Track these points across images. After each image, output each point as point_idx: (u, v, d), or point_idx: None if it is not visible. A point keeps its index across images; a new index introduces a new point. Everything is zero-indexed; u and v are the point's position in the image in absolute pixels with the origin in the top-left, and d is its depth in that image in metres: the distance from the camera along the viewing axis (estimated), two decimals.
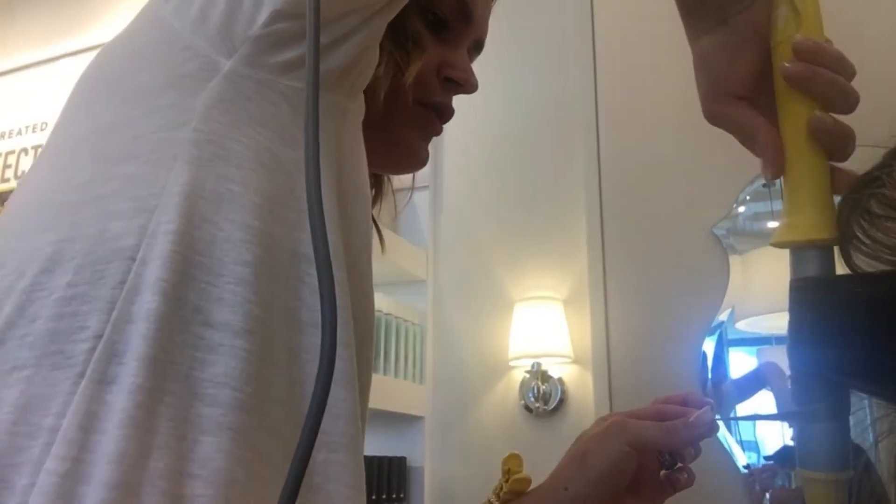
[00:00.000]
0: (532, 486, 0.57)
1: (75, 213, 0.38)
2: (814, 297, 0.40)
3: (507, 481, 0.55)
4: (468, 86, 0.60)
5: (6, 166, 2.40)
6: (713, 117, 0.46)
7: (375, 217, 0.66)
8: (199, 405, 0.35)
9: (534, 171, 1.95)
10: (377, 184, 0.67)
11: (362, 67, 0.46)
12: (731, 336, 1.62)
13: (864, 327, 0.35)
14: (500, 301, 1.87)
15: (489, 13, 0.63)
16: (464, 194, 2.03)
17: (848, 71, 0.41)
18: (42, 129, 2.35)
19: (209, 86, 0.41)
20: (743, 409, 1.57)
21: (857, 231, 0.39)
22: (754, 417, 1.58)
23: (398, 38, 0.54)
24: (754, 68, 0.44)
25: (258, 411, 0.37)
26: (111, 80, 0.44)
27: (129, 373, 0.34)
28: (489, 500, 0.56)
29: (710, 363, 1.61)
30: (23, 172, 2.35)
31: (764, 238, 1.62)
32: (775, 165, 0.43)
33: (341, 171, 0.44)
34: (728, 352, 1.62)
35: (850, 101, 0.41)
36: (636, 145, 1.82)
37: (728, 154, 1.72)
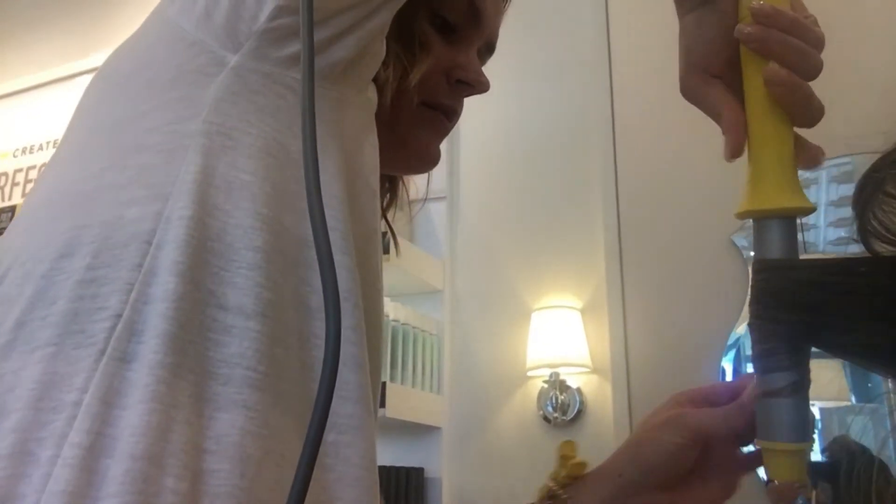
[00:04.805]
0: (588, 470, 0.56)
1: (91, 201, 0.40)
2: (778, 278, 0.40)
3: (563, 466, 0.55)
4: (479, 86, 0.60)
5: (27, 181, 2.44)
6: (686, 92, 0.47)
7: (390, 221, 0.66)
8: (213, 384, 0.37)
9: (550, 181, 1.95)
10: (392, 187, 0.67)
11: (369, 60, 0.46)
12: (749, 351, 1.60)
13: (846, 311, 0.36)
14: (517, 310, 1.87)
15: (501, 16, 0.64)
16: (480, 204, 2.03)
17: (807, 35, 0.42)
18: None
19: (217, 79, 0.42)
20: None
21: (874, 213, 0.38)
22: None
23: (405, 40, 0.54)
24: (729, 47, 0.45)
25: (272, 390, 0.38)
26: (121, 78, 0.46)
27: (150, 350, 0.35)
28: (547, 486, 0.56)
29: (729, 379, 1.59)
30: None
31: None
32: (735, 143, 0.44)
33: (347, 161, 0.45)
34: (747, 367, 1.61)
35: (809, 64, 0.42)
36: (652, 153, 1.81)
37: (745, 164, 1.71)
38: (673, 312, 1.69)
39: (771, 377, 0.41)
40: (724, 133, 0.45)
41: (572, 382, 1.76)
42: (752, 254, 1.62)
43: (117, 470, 0.32)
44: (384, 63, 0.50)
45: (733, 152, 0.44)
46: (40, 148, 2.45)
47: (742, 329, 1.60)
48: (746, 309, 1.63)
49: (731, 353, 1.61)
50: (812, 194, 1.62)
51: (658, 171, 1.79)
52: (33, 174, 2.44)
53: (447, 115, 0.61)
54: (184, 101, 0.42)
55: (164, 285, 0.36)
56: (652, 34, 1.90)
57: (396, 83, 0.54)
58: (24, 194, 2.43)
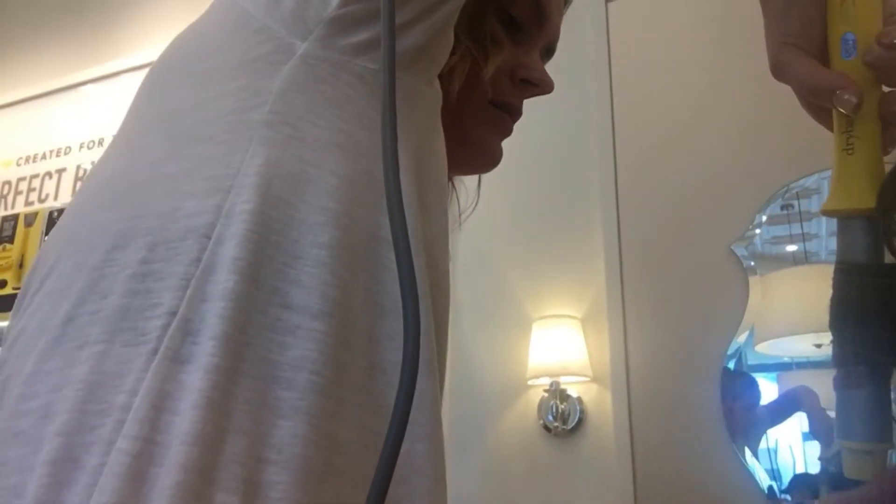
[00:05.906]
0: None
1: (146, 192, 0.38)
2: (859, 280, 0.40)
3: None
4: (544, 85, 0.61)
5: (31, 189, 2.45)
6: (778, 69, 0.45)
7: None
8: (276, 388, 0.34)
9: (551, 190, 1.95)
10: None
11: (438, 49, 0.45)
12: (750, 361, 1.60)
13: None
14: (518, 320, 1.87)
15: (562, 18, 0.64)
16: (481, 213, 2.03)
17: None
18: (66, 153, 2.39)
19: (284, 68, 0.40)
20: (775, 433, 1.55)
21: None
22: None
23: (475, 35, 0.54)
24: (822, 26, 0.44)
25: (336, 396, 0.35)
26: (182, 64, 0.44)
27: (206, 352, 0.33)
28: None
29: (730, 388, 1.59)
30: (46, 196, 2.40)
31: (784, 261, 1.61)
32: (852, 93, 0.41)
33: (417, 155, 0.43)
34: (748, 376, 1.61)
35: None
36: (652, 164, 1.82)
37: (744, 173, 1.72)
38: (673, 321, 1.69)
39: (845, 371, 0.41)
40: (830, 89, 0.43)
41: (573, 391, 1.76)
42: (751, 263, 1.63)
43: (167, 481, 0.30)
44: (452, 56, 0.49)
45: (857, 100, 0.41)
46: (43, 157, 2.45)
47: (743, 338, 1.61)
48: (746, 318, 1.64)
49: (732, 362, 1.61)
50: (815, 203, 1.63)
51: (658, 181, 1.80)
52: (36, 183, 2.45)
53: (511, 115, 0.61)
54: (248, 91, 0.40)
55: (224, 283, 0.34)
56: (653, 49, 1.91)
57: (464, 78, 0.53)
58: (26, 203, 2.44)
